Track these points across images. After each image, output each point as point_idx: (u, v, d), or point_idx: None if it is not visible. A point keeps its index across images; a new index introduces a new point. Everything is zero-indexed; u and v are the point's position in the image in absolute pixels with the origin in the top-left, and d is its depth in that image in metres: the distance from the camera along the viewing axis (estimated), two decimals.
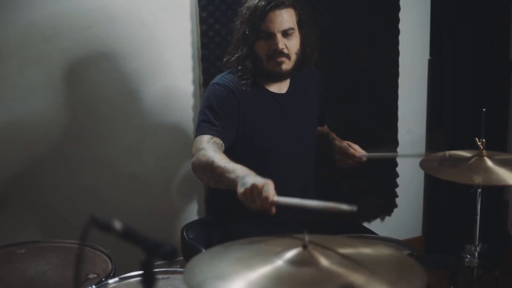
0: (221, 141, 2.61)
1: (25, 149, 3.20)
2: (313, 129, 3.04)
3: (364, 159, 2.95)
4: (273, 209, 2.12)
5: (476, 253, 2.60)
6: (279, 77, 2.81)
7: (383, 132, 4.06)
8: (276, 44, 2.69)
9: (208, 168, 2.42)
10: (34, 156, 3.23)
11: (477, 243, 2.62)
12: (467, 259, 2.58)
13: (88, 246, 2.59)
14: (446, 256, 2.63)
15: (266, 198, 2.09)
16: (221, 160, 2.40)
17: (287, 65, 2.75)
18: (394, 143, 4.13)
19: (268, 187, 2.11)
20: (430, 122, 4.31)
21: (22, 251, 2.63)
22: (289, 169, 2.87)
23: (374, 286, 1.56)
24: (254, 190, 2.11)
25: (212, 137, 2.60)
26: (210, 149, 2.52)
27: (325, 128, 3.21)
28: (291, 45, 2.73)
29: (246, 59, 2.76)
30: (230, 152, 2.55)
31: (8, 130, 3.14)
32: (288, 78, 2.87)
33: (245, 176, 2.21)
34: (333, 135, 3.14)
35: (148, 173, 3.49)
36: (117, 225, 1.24)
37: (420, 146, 4.31)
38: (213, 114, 2.67)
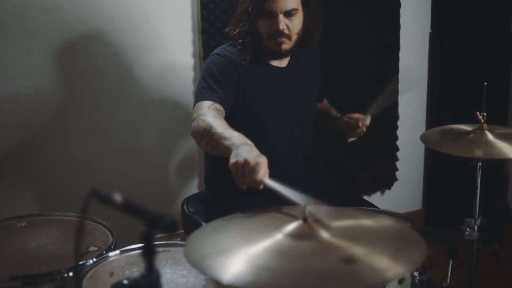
0: (222, 108, 2.60)
1: (25, 123, 3.19)
2: (312, 103, 3.03)
3: (369, 120, 2.91)
4: (261, 187, 2.10)
5: (476, 227, 2.61)
6: (279, 56, 2.80)
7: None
8: (278, 24, 2.67)
9: (206, 134, 2.41)
10: (34, 129, 3.22)
11: (477, 216, 2.63)
12: (467, 233, 2.59)
13: (89, 219, 2.60)
14: (446, 229, 2.64)
15: (255, 179, 2.07)
16: (220, 126, 2.38)
17: (287, 45, 2.74)
18: (395, 116, 4.12)
19: (260, 167, 2.08)
20: (430, 96, 4.30)
21: (23, 224, 2.64)
22: (288, 142, 2.86)
23: (374, 258, 1.57)
24: (246, 166, 2.08)
25: (213, 103, 2.59)
26: (210, 114, 2.50)
27: (325, 104, 3.19)
28: (293, 25, 2.71)
29: (247, 36, 2.75)
30: (229, 124, 2.55)
31: (8, 104, 3.13)
32: (288, 55, 2.86)
33: (240, 146, 2.18)
34: (334, 111, 3.12)
35: (148, 146, 3.49)
36: (117, 197, 1.24)
37: (420, 119, 4.31)
38: (214, 81, 2.66)
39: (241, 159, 2.10)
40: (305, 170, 2.98)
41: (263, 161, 2.09)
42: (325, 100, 3.22)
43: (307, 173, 2.99)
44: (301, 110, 2.91)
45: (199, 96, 2.64)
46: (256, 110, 2.77)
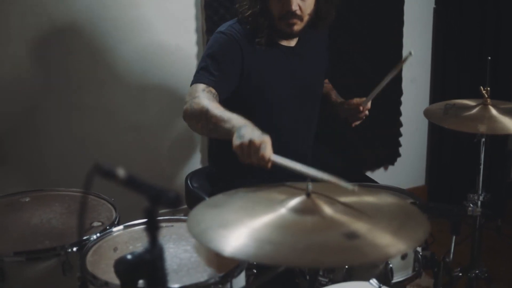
0: (216, 92, 2.56)
1: (27, 98, 3.19)
2: (320, 83, 3.02)
3: (369, 104, 2.90)
4: (269, 165, 2.10)
5: (479, 202, 2.61)
6: (289, 36, 2.78)
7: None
8: (290, 5, 2.63)
9: (202, 117, 2.39)
10: (36, 105, 3.22)
11: (480, 192, 2.63)
12: (470, 208, 2.59)
13: (92, 195, 2.60)
14: (449, 205, 2.64)
15: (263, 156, 2.06)
16: (216, 109, 2.36)
17: (298, 26, 2.70)
18: (398, 92, 4.11)
19: (266, 144, 2.07)
20: (434, 71, 4.28)
21: (26, 200, 2.64)
22: (295, 121, 2.85)
23: (377, 234, 1.57)
24: (252, 146, 2.08)
25: (208, 86, 2.56)
26: (205, 97, 2.48)
27: (326, 86, 3.17)
28: (305, 6, 2.67)
29: (260, 16, 2.71)
30: (234, 103, 2.53)
31: (8, 79, 3.13)
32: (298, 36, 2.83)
33: (242, 128, 2.17)
34: (334, 94, 3.10)
35: (151, 122, 3.49)
36: (121, 172, 1.24)
37: (424, 95, 4.29)
38: (213, 63, 2.63)
39: (245, 140, 2.09)
40: (311, 148, 2.98)
41: (267, 139, 2.09)
42: (326, 80, 3.19)
43: (311, 151, 2.99)
44: (308, 90, 2.89)
45: (196, 77, 2.61)
46: (263, 90, 2.75)
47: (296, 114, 2.85)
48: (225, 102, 2.54)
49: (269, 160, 2.08)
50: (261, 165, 2.09)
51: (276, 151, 2.11)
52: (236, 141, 2.13)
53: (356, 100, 2.87)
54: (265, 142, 2.08)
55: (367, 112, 2.89)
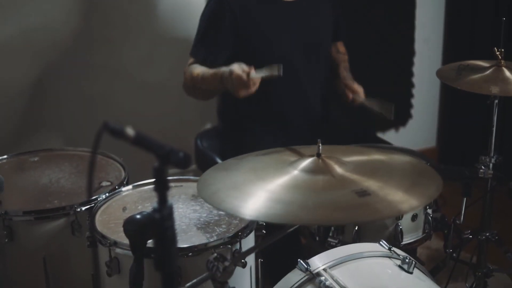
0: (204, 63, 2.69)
1: (37, 58, 3.17)
2: (325, 39, 2.95)
3: (357, 103, 2.87)
4: (253, 89, 2.40)
5: (491, 165, 2.58)
6: None
7: (400, 41, 4.00)
8: None
9: (192, 81, 2.59)
10: (46, 64, 3.20)
11: (492, 154, 2.60)
12: (481, 170, 2.57)
13: (101, 154, 2.60)
14: (461, 167, 2.62)
15: (241, 80, 2.37)
16: (199, 68, 2.62)
17: None
18: (411, 52, 4.07)
19: (243, 70, 2.37)
20: (448, 31, 4.23)
21: (35, 159, 2.65)
22: (301, 79, 2.82)
23: (389, 191, 1.56)
24: (233, 75, 2.38)
25: (197, 60, 2.71)
26: (192, 67, 2.67)
27: (341, 57, 3.08)
28: None
29: None
30: None
31: (19, 39, 3.10)
32: None
33: (227, 68, 2.45)
34: (343, 67, 3.03)
35: (161, 81, 3.47)
36: (130, 131, 1.22)
37: (436, 55, 4.25)
38: (202, 35, 2.74)
39: (227, 73, 2.43)
40: (321, 108, 2.94)
41: (245, 66, 2.40)
42: (343, 49, 3.10)
43: (324, 111, 2.95)
44: (313, 47, 2.85)
45: (191, 50, 2.78)
46: (264, 49, 2.72)
47: (302, 72, 2.81)
48: None
49: (249, 81, 2.37)
50: (248, 91, 2.39)
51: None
52: (225, 79, 2.44)
53: (356, 87, 2.86)
54: (243, 69, 2.37)
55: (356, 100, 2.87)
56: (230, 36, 2.68)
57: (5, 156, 2.64)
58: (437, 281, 2.01)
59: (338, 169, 1.64)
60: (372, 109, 2.74)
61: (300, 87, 2.82)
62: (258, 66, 2.42)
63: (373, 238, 2.11)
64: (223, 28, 2.67)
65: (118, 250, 1.96)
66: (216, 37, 2.68)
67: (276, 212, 1.48)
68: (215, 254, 1.64)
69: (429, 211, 2.44)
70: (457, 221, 2.54)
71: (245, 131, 2.75)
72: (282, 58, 2.74)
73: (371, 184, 1.58)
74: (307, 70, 2.84)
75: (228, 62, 2.54)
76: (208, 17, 2.71)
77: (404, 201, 1.53)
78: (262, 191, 1.56)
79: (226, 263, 1.61)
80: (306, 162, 1.67)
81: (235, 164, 1.82)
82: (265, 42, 2.71)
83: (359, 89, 2.86)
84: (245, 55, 2.63)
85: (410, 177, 1.68)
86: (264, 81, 2.39)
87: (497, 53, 2.57)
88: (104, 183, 2.40)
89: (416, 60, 4.12)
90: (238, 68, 2.40)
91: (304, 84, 2.84)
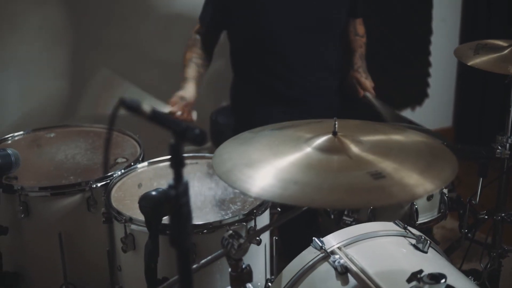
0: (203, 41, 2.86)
1: (51, 35, 3.18)
2: (336, 12, 2.84)
3: (365, 99, 2.85)
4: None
5: (508, 145, 2.56)
6: None
7: (417, 20, 3.97)
8: None
9: (183, 57, 2.80)
10: (60, 42, 3.20)
11: (509, 134, 2.58)
12: (498, 151, 2.55)
13: (117, 131, 2.60)
14: (477, 146, 2.60)
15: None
16: (189, 55, 2.84)
17: None
18: (428, 31, 4.03)
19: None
20: (465, 11, 4.19)
21: (51, 135, 2.65)
22: (310, 53, 2.77)
23: (404, 174, 1.54)
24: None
25: (202, 24, 2.87)
26: (189, 46, 2.88)
27: (358, 42, 3.00)
28: None
29: None
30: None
31: (33, 16, 3.11)
32: None
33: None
34: (358, 55, 2.97)
35: (176, 59, 3.45)
36: (146, 107, 1.22)
37: (454, 34, 4.21)
38: (204, 11, 2.86)
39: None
40: (338, 88, 2.91)
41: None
42: (362, 30, 3.01)
43: (338, 88, 2.93)
44: (321, 18, 2.78)
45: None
46: (268, 21, 2.69)
47: (311, 45, 2.78)
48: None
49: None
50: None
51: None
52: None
53: (364, 83, 2.84)
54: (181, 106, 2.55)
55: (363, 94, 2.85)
56: (223, 19, 2.77)
57: (21, 132, 2.65)
58: (451, 261, 2.01)
59: (354, 149, 1.62)
60: (375, 106, 2.73)
61: (310, 63, 2.81)
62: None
63: (389, 217, 2.11)
64: (219, 9, 2.76)
65: (133, 227, 1.97)
66: (214, 17, 2.77)
67: (291, 194, 1.46)
68: (230, 231, 1.64)
69: (445, 191, 2.43)
70: (473, 201, 2.53)
71: (260, 108, 2.75)
72: (285, 31, 2.72)
73: (386, 165, 1.55)
74: (317, 44, 2.80)
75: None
76: None
77: (419, 184, 1.50)
78: (277, 170, 1.55)
79: (241, 241, 1.61)
80: (322, 140, 1.65)
81: (250, 139, 1.81)
82: (269, 21, 2.70)
83: (370, 84, 2.83)
84: (235, 29, 2.68)
85: (425, 158, 1.65)
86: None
87: None
88: (120, 160, 2.41)
89: (434, 39, 4.08)
90: (178, 99, 2.61)
91: (314, 58, 2.82)
